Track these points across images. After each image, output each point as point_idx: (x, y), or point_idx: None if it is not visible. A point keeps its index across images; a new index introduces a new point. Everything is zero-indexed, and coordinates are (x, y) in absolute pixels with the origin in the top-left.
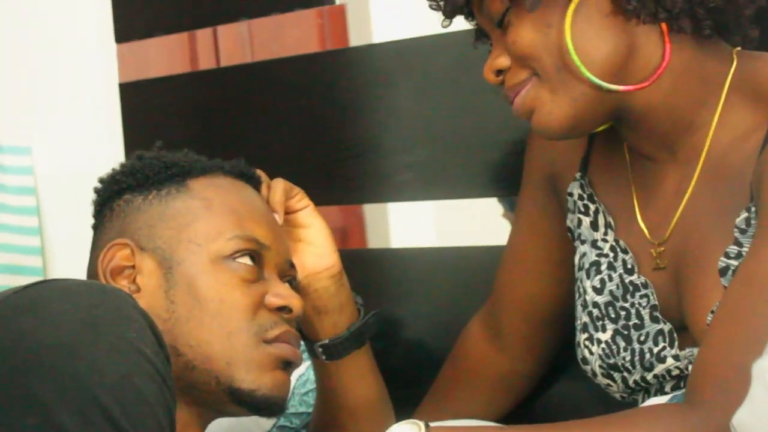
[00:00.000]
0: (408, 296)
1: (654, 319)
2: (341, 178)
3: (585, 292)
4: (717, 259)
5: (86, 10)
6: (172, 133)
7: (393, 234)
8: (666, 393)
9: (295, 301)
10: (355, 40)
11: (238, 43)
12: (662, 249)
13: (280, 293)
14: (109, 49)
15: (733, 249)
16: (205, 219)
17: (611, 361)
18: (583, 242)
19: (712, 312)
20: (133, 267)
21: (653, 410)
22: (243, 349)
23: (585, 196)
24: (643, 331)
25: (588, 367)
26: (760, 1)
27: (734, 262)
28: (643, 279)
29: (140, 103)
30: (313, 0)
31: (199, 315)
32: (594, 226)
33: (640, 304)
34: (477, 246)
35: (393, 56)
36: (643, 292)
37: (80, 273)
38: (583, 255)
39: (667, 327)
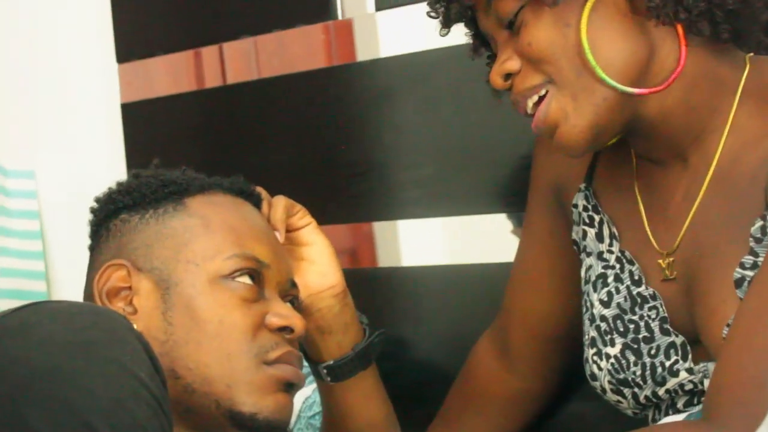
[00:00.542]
0: (419, 315)
1: (664, 332)
2: (349, 196)
3: (592, 305)
4: (732, 270)
5: (87, 31)
6: (176, 152)
7: (403, 252)
8: (678, 410)
9: (297, 321)
10: (363, 54)
11: (244, 60)
12: (671, 259)
13: (281, 313)
14: (111, 70)
15: (748, 259)
16: (203, 238)
17: (621, 376)
18: (588, 254)
19: (728, 325)
20: (130, 288)
21: (671, 428)
22: (243, 371)
23: (589, 207)
24: (654, 345)
25: (597, 383)
26: None
27: (750, 273)
28: (651, 290)
29: (143, 123)
30: (318, 15)
31: (198, 337)
32: (599, 237)
33: (649, 316)
34: (488, 263)
35: (399, 70)
36: (652, 303)
37: None
38: (589, 267)
39: (679, 340)
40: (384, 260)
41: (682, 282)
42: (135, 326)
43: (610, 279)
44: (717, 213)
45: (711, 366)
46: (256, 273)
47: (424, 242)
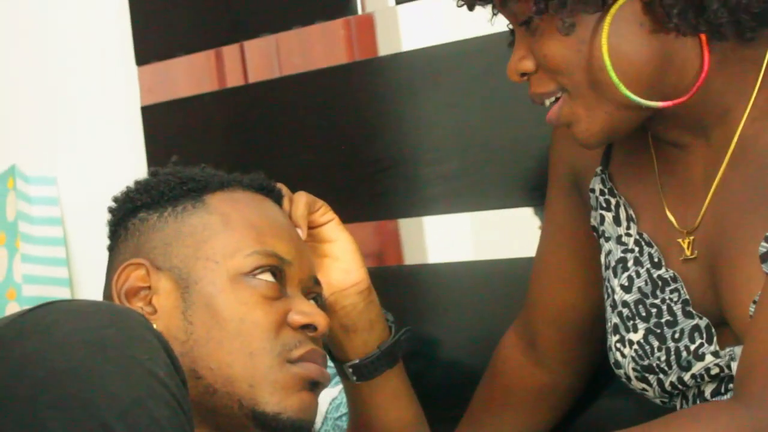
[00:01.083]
0: (447, 313)
1: (687, 315)
2: (373, 193)
3: (613, 291)
4: (756, 245)
5: (106, 35)
6: (198, 154)
7: (429, 249)
8: (706, 399)
9: (320, 319)
10: (385, 49)
11: (266, 58)
12: (692, 237)
13: (303, 310)
14: (131, 73)
15: None
16: (223, 235)
17: (645, 362)
18: (607, 239)
19: (755, 302)
20: (149, 288)
21: (699, 409)
22: (266, 370)
23: (606, 190)
24: (677, 328)
25: (621, 371)
26: None
27: None
28: (671, 272)
29: (163, 125)
30: (338, 11)
31: (219, 335)
32: (616, 221)
33: (671, 299)
34: (517, 258)
35: (422, 64)
36: (673, 286)
37: None
38: (609, 253)
39: (703, 322)
40: (410, 257)
41: (703, 261)
42: (155, 326)
43: (630, 263)
44: (739, 188)
45: (738, 350)
46: (277, 270)
47: (450, 238)
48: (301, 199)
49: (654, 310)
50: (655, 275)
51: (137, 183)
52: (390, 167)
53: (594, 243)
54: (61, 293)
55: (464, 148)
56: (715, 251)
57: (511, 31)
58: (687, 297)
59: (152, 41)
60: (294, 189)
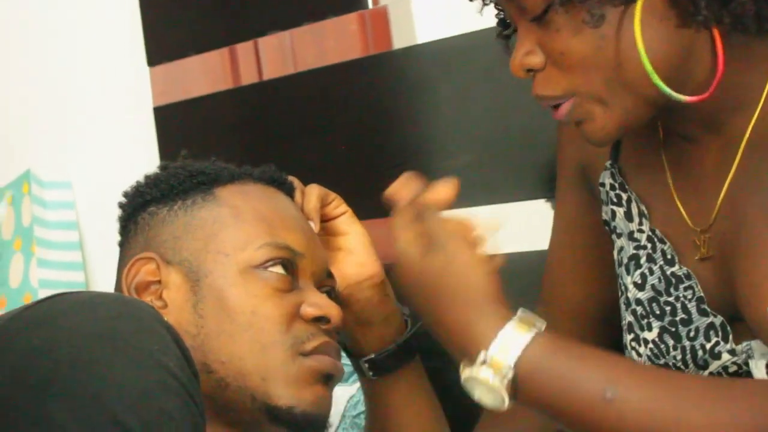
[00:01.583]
0: None
1: (702, 312)
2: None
3: (626, 289)
4: None
5: (117, 37)
6: (211, 152)
7: None
8: None
9: (332, 311)
10: (399, 42)
11: (280, 54)
12: (707, 235)
13: (316, 302)
14: (143, 74)
15: None
16: (233, 228)
17: (661, 361)
18: (619, 236)
19: None
20: (159, 282)
21: (753, 384)
22: (279, 363)
23: (616, 185)
24: (692, 326)
25: None
26: None
27: None
28: (685, 269)
29: (176, 126)
30: (352, 4)
31: (230, 329)
32: (628, 216)
33: (685, 297)
34: (535, 251)
35: (435, 57)
36: (687, 283)
37: None
38: (621, 249)
39: (718, 320)
40: None
41: (718, 259)
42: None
43: (643, 260)
44: (753, 184)
45: (755, 344)
46: (289, 263)
47: None
48: (314, 191)
49: (668, 308)
50: (668, 272)
51: (147, 177)
52: (405, 161)
53: (606, 237)
54: None
55: (479, 141)
56: (730, 249)
57: (501, 23)
58: (701, 294)
59: (164, 41)
60: (307, 184)
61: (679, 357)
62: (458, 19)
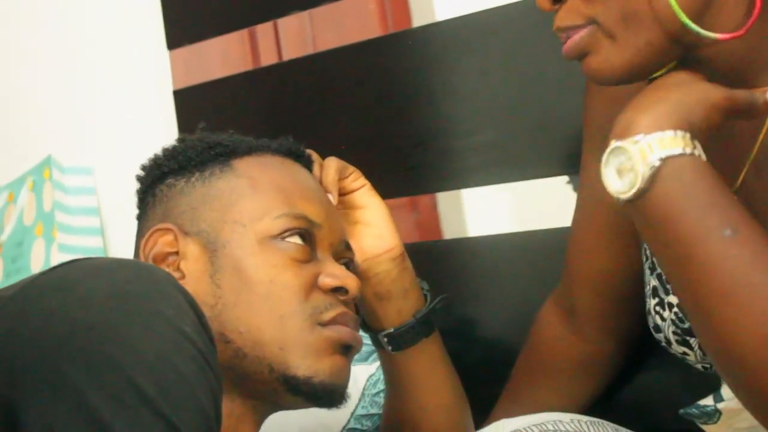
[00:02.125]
0: (487, 288)
1: None
2: (409, 167)
3: (652, 252)
4: None
5: (136, 21)
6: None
7: (469, 222)
8: None
9: (351, 281)
10: (418, 20)
11: (299, 35)
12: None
13: (334, 273)
14: (163, 58)
15: None
16: (251, 198)
17: (685, 325)
18: None
19: None
20: (177, 253)
21: None
22: (297, 333)
23: None
24: None
25: (661, 335)
26: None
27: None
28: None
29: (197, 109)
30: None
31: (248, 299)
32: None
33: None
34: (559, 227)
35: (455, 34)
36: None
37: None
38: None
39: None
40: (449, 232)
41: None
42: None
43: None
44: None
45: None
46: (307, 233)
47: (490, 210)
48: (332, 164)
49: None
50: None
51: (165, 150)
52: (426, 140)
53: None
54: None
55: (500, 119)
56: (759, 209)
57: None
58: None
59: (183, 24)
60: None
61: None
62: None
